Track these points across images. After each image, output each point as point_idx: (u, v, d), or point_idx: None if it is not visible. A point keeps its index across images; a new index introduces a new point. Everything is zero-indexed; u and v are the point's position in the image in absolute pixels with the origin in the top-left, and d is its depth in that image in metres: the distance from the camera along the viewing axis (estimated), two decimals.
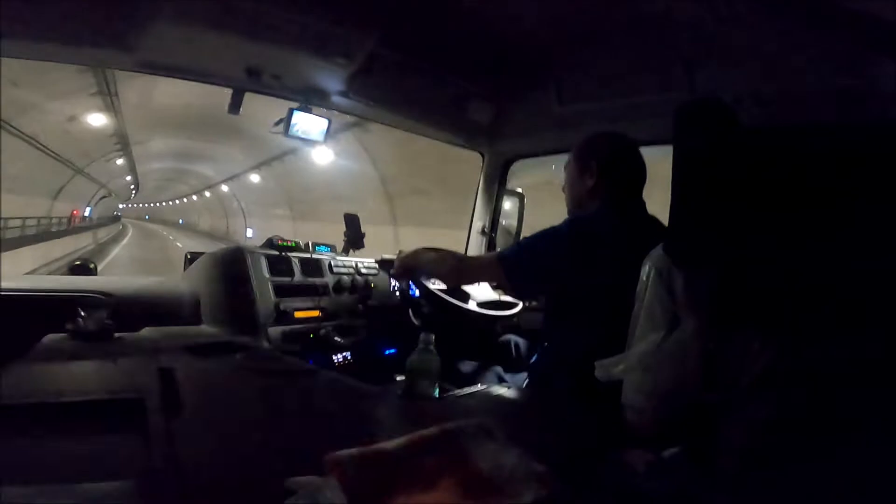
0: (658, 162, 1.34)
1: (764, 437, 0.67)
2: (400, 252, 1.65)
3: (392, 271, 1.65)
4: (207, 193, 24.50)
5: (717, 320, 0.79)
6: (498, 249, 2.22)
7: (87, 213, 17.59)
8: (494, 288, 1.84)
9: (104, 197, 19.02)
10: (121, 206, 29.66)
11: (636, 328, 0.88)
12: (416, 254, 1.51)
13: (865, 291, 0.66)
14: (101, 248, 15.84)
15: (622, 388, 0.88)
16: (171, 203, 36.80)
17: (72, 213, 15.54)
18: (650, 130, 1.32)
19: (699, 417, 0.76)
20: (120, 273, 10.05)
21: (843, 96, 1.09)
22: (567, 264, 1.20)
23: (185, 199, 30.72)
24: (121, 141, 11.08)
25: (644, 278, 0.88)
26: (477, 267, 1.46)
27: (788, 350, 0.69)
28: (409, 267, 1.53)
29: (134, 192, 26.24)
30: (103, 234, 20.45)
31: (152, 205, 41.43)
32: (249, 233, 19.26)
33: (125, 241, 20.84)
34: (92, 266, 1.62)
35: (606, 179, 1.29)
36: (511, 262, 1.28)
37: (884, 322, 0.65)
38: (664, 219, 0.88)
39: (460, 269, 1.44)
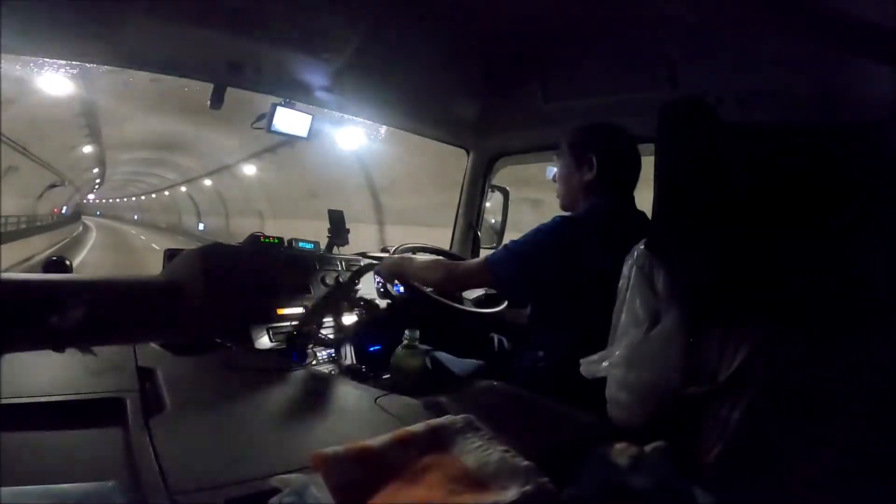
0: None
1: (746, 432, 0.68)
2: (385, 248, 1.64)
3: (378, 276, 1.64)
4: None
5: (698, 315, 0.80)
6: (482, 244, 2.23)
7: None
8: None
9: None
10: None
11: (619, 324, 0.89)
12: (405, 261, 1.49)
13: (844, 287, 0.68)
14: None
15: (606, 384, 0.89)
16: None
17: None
18: (634, 128, 1.33)
19: (682, 412, 0.77)
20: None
21: (823, 96, 1.11)
22: (555, 269, 1.21)
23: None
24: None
25: (626, 274, 0.89)
26: (466, 274, 1.44)
27: (768, 345, 0.70)
28: (397, 274, 1.52)
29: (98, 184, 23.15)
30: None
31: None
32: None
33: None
34: (68, 263, 1.59)
35: (605, 173, 1.29)
36: (500, 269, 1.27)
37: (864, 316, 0.67)
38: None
39: (451, 280, 1.44)
